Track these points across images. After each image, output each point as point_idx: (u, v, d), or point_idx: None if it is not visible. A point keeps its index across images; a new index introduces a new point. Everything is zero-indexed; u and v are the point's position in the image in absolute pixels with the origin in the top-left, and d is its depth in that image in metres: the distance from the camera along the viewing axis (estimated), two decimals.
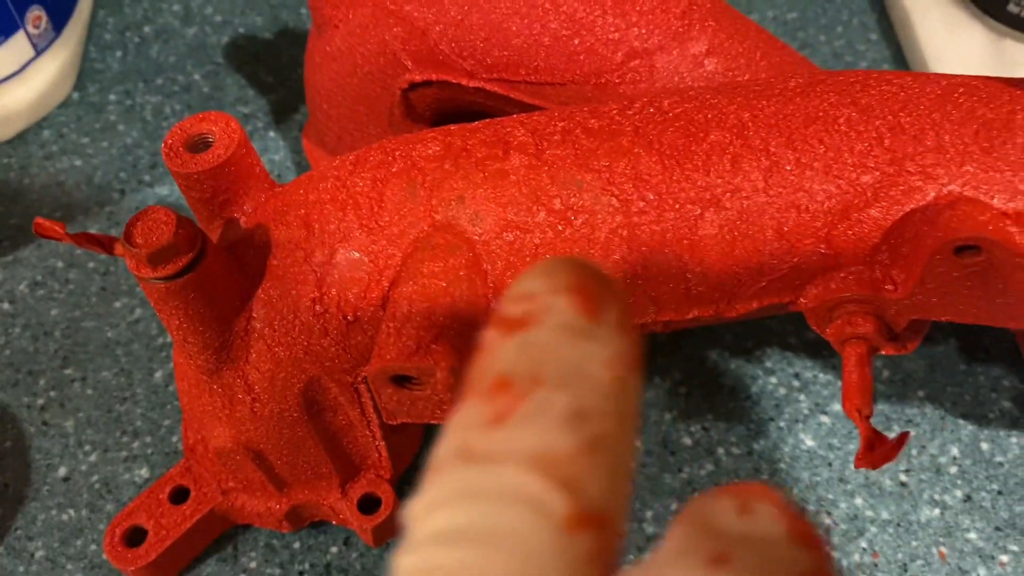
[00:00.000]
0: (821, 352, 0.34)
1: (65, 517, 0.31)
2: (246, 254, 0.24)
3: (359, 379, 0.24)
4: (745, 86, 0.23)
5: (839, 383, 0.34)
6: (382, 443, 0.27)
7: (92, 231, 0.38)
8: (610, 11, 0.27)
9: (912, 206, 0.21)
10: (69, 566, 0.30)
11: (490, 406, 0.12)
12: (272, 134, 0.41)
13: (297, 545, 0.30)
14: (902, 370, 0.34)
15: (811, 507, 0.32)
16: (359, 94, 0.32)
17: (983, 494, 0.32)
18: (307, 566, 0.30)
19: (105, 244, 0.28)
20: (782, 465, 0.32)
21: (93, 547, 0.30)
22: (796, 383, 0.34)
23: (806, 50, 0.45)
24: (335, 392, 0.25)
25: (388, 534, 0.29)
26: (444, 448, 0.12)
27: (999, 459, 0.32)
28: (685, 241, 0.22)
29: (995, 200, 0.20)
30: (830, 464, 0.32)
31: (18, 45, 0.38)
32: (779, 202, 0.22)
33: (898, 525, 0.31)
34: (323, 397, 0.25)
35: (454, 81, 0.29)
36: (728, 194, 0.22)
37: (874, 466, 0.21)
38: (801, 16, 0.46)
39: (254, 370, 0.24)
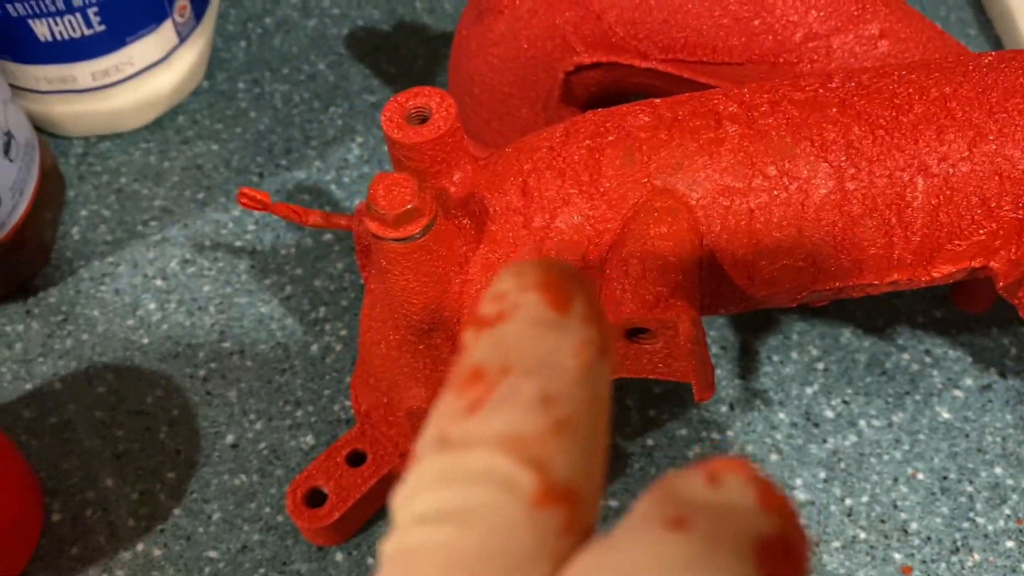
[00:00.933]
0: (949, 330, 0.36)
1: (237, 482, 0.32)
2: (462, 220, 0.25)
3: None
4: (938, 63, 0.24)
5: (969, 359, 0.35)
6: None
7: (235, 213, 0.39)
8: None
9: None
10: (246, 527, 0.31)
11: (464, 397, 0.13)
12: None
13: None
14: None
15: (953, 476, 0.33)
16: (518, 78, 0.33)
17: None
18: None
19: (301, 215, 0.29)
20: (921, 436, 0.34)
21: (267, 509, 0.32)
22: (928, 359, 0.35)
23: None
24: None
25: None
26: (423, 439, 0.13)
27: None
28: (894, 207, 0.23)
29: None
30: (967, 435, 0.34)
31: (166, 33, 0.39)
32: (983, 169, 0.23)
33: None
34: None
35: (625, 63, 0.30)
36: (936, 162, 0.23)
37: None
38: None
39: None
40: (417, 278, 0.24)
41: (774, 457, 0.33)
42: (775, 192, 0.23)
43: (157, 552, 0.31)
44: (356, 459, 0.31)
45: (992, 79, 0.24)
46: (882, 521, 0.32)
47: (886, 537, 0.32)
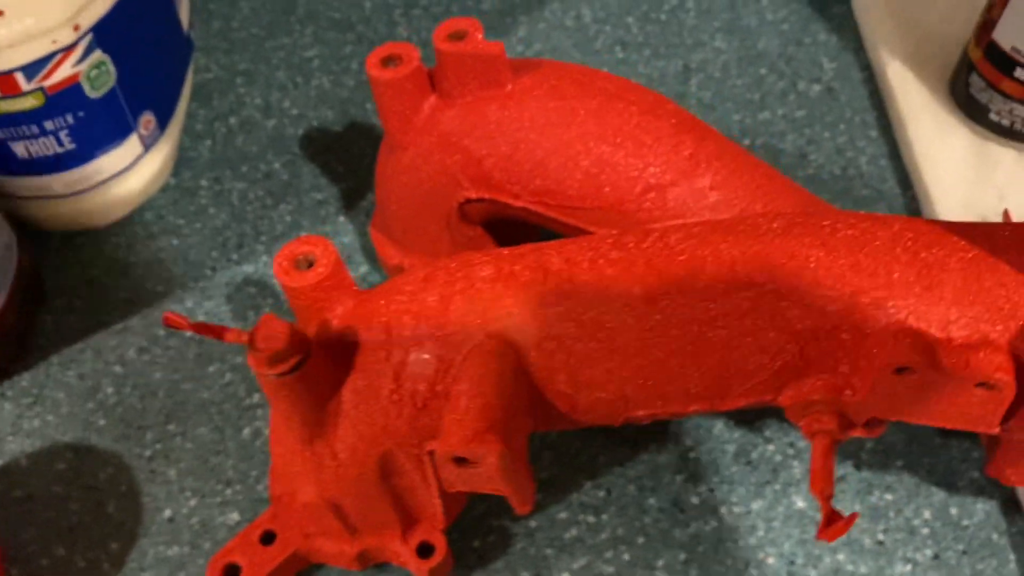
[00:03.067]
0: None
1: (171, 552, 0.37)
2: (338, 351, 0.30)
3: (424, 452, 0.30)
4: (738, 226, 0.29)
5: None
6: (438, 501, 0.33)
7: (188, 304, 0.45)
8: (631, 154, 0.33)
9: (868, 331, 0.27)
10: None
11: None
12: (342, 219, 0.48)
13: None
14: (884, 442, 0.39)
15: (799, 561, 0.37)
16: (423, 202, 0.38)
17: (950, 553, 0.37)
18: None
19: (217, 333, 0.34)
20: (776, 523, 0.38)
21: None
22: (791, 451, 0.39)
23: (812, 145, 0.50)
24: (403, 460, 0.31)
25: (441, 574, 0.35)
26: None
27: (965, 522, 0.37)
28: (689, 353, 0.28)
29: (931, 328, 0.26)
30: (817, 523, 0.38)
31: (131, 145, 0.44)
32: (764, 325, 0.27)
33: None
34: (394, 464, 0.31)
35: (503, 200, 0.35)
36: (720, 317, 0.27)
37: (830, 539, 0.26)
38: (808, 114, 0.52)
39: (340, 442, 0.30)
40: (292, 404, 0.29)
41: (640, 539, 0.37)
42: (587, 340, 0.28)
43: None
44: (268, 538, 0.36)
45: (776, 245, 0.28)
46: None
47: None
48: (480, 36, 0.33)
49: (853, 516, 0.26)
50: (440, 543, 0.35)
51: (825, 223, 0.28)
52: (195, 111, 0.52)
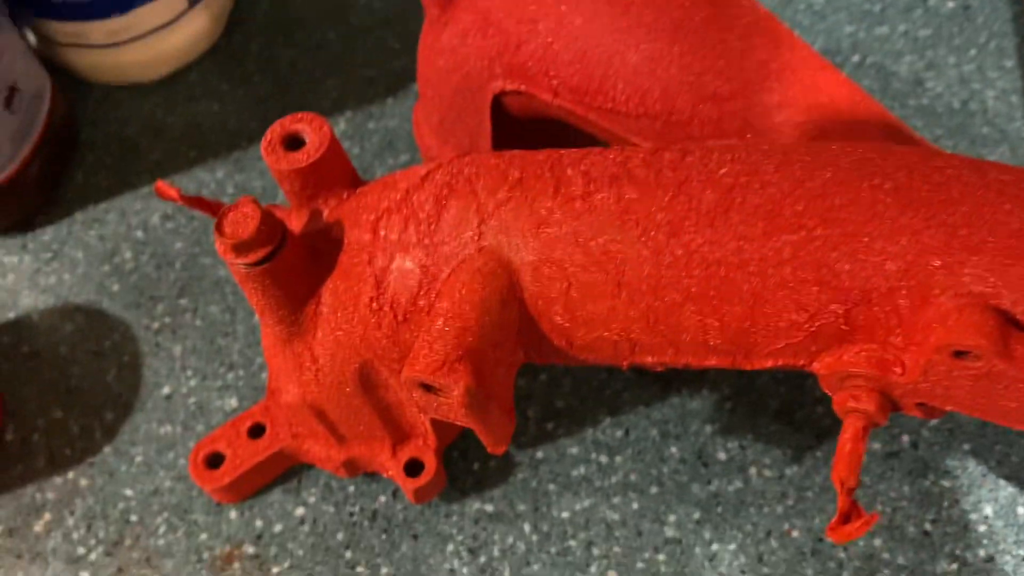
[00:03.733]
0: None
1: (163, 431, 0.36)
2: (322, 246, 0.27)
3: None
4: (796, 154, 0.24)
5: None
6: (427, 420, 0.30)
7: (219, 174, 0.42)
8: (689, 53, 0.28)
9: (932, 299, 0.22)
10: (161, 473, 0.35)
11: None
12: (390, 100, 0.44)
13: (352, 489, 0.34)
14: (952, 420, 0.34)
15: (828, 539, 0.33)
16: (459, 87, 0.34)
17: (1007, 558, 0.32)
18: (357, 509, 0.34)
19: (211, 209, 0.31)
20: (809, 494, 0.34)
21: (182, 461, 0.35)
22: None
23: (931, 71, 0.44)
24: (386, 375, 0.28)
25: (429, 495, 0.33)
26: None
27: None
28: (711, 299, 0.23)
29: (1011, 308, 0.21)
30: (858, 500, 0.33)
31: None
32: (804, 276, 0.23)
33: (911, 573, 0.32)
34: (376, 377, 0.28)
35: (539, 95, 0.31)
36: (754, 261, 0.23)
37: (840, 540, 0.22)
38: (934, 33, 0.45)
39: (319, 346, 0.27)
40: (265, 298, 0.26)
41: (654, 489, 0.34)
42: (592, 269, 0.24)
43: (84, 482, 0.35)
44: (256, 431, 0.34)
45: (841, 180, 0.23)
46: (742, 572, 0.32)
47: None
48: None
49: (873, 517, 0.22)
50: (430, 462, 0.32)
51: (903, 163, 0.23)
52: None
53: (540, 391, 0.36)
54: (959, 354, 0.21)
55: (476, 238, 0.24)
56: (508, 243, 0.24)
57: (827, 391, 0.25)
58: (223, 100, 0.44)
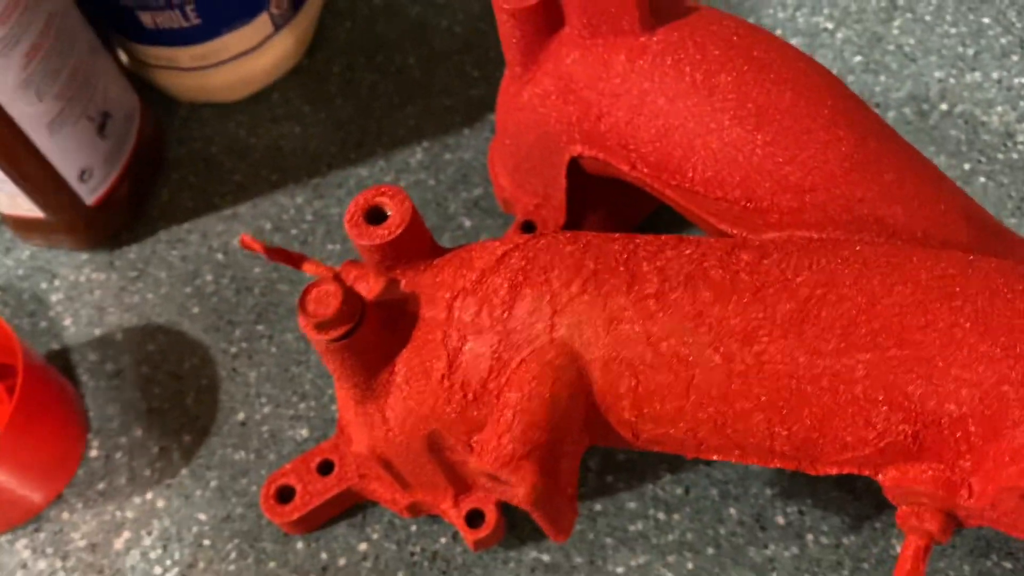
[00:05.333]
0: None
1: (237, 456, 0.37)
2: (398, 317, 0.27)
3: (472, 441, 0.27)
4: (875, 263, 0.24)
5: None
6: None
7: (298, 200, 0.43)
8: (772, 143, 0.27)
9: (1004, 431, 0.22)
10: (233, 499, 0.37)
11: None
12: (467, 131, 0.44)
13: (414, 528, 0.35)
14: None
15: None
16: (537, 143, 0.34)
17: None
18: (418, 548, 0.35)
19: (295, 262, 0.32)
20: (866, 565, 0.34)
21: (253, 488, 0.37)
22: None
23: None
24: (453, 442, 0.28)
25: (489, 544, 0.34)
26: None
27: None
28: (776, 408, 0.23)
29: None
30: None
31: (261, 24, 0.42)
32: (875, 395, 0.23)
33: None
34: (443, 442, 0.29)
35: (616, 165, 0.31)
36: (827, 377, 0.23)
37: None
38: None
39: (391, 410, 0.28)
40: (343, 368, 0.27)
41: (710, 550, 0.34)
42: (661, 370, 0.24)
43: (161, 503, 0.37)
44: (326, 467, 0.35)
45: (918, 301, 0.23)
46: None
47: None
48: None
49: None
50: (491, 513, 0.33)
51: (986, 283, 0.23)
52: None
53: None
54: None
55: (548, 329, 0.25)
56: (579, 337, 0.25)
57: (892, 502, 0.25)
58: (304, 122, 0.45)
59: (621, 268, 0.25)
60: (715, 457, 0.25)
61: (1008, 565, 0.33)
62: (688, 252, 0.25)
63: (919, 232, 0.27)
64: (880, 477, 0.24)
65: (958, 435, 0.22)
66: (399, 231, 0.27)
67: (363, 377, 0.28)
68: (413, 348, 0.27)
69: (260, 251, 0.30)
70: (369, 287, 0.28)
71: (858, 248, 0.25)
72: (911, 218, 0.27)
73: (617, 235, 0.26)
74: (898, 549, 0.34)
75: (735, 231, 0.29)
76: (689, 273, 0.24)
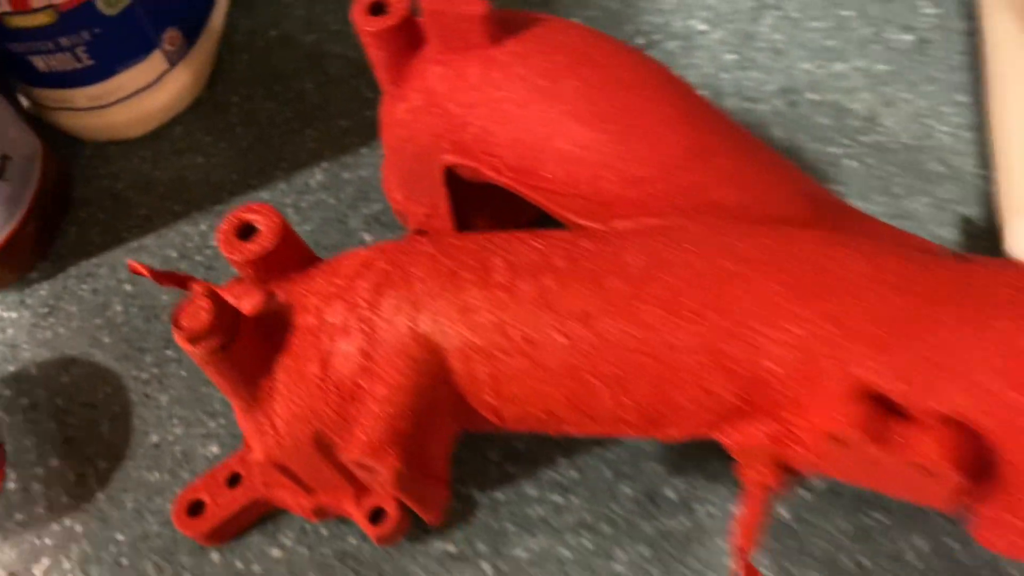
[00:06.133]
0: None
1: (152, 478, 0.39)
2: (276, 328, 0.29)
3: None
4: (706, 240, 0.26)
5: None
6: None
7: (202, 227, 0.45)
8: (615, 140, 0.29)
9: (820, 385, 0.24)
10: (149, 518, 0.38)
11: None
12: (364, 150, 0.46)
13: (324, 532, 0.37)
14: None
15: (771, 572, 0.35)
16: (415, 156, 0.36)
17: None
18: (329, 551, 0.36)
19: (181, 282, 0.34)
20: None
21: (168, 506, 0.38)
22: None
23: (887, 107, 0.45)
24: (337, 440, 0.30)
25: (393, 539, 0.35)
26: None
27: (964, 560, 0.34)
28: (620, 381, 0.25)
29: (898, 396, 0.23)
30: (798, 535, 0.35)
31: (155, 62, 0.44)
32: (703, 360, 0.25)
33: None
34: (330, 442, 0.30)
35: (485, 172, 0.33)
36: (661, 348, 0.25)
37: None
38: (891, 69, 0.46)
39: (277, 416, 0.30)
40: (225, 380, 0.28)
41: (606, 528, 0.36)
42: (514, 355, 0.26)
43: (79, 528, 0.38)
44: (234, 480, 0.36)
45: (740, 271, 0.25)
46: None
47: None
48: None
49: None
50: (393, 509, 0.34)
51: (801, 253, 0.25)
52: (237, 21, 0.51)
53: (501, 435, 0.38)
54: (836, 440, 0.23)
55: (410, 326, 0.27)
56: (439, 330, 0.26)
57: (737, 460, 0.27)
58: (207, 153, 0.47)
59: (475, 264, 0.27)
60: (574, 431, 0.27)
61: (883, 518, 0.35)
62: (536, 245, 0.27)
63: (758, 213, 0.29)
64: (721, 438, 0.26)
65: (782, 392, 0.24)
66: (270, 246, 0.28)
67: (246, 387, 0.29)
68: (290, 354, 0.29)
69: (147, 275, 0.32)
70: (251, 301, 0.30)
71: (689, 230, 0.27)
72: (749, 200, 0.29)
73: (475, 234, 0.28)
74: (784, 515, 0.36)
75: (590, 224, 0.31)
76: (536, 263, 0.26)
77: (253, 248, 0.28)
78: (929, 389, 0.23)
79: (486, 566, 0.36)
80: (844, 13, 0.48)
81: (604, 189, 0.30)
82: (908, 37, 0.47)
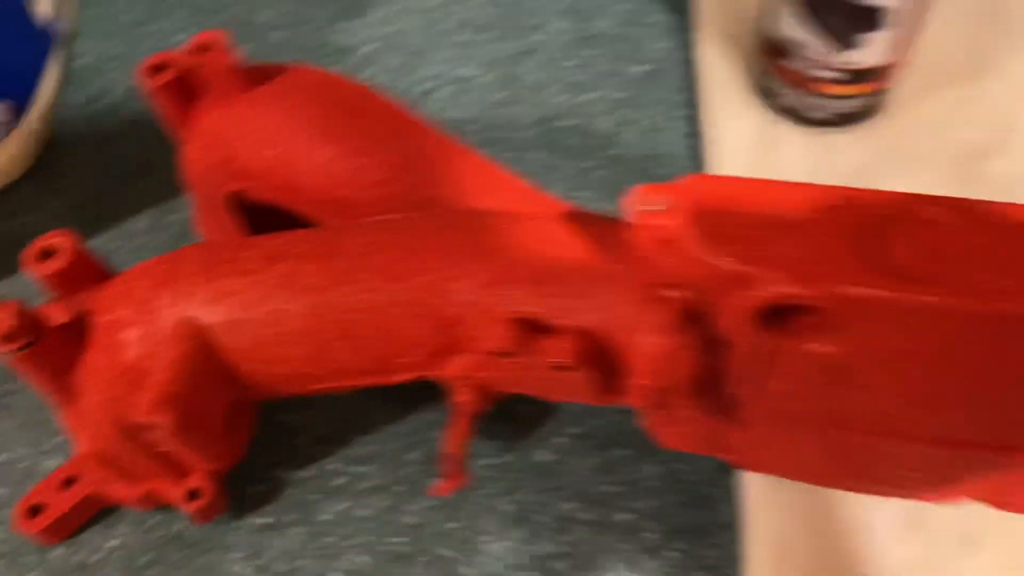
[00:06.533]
0: None
1: (1, 491, 0.44)
2: (80, 331, 0.35)
3: None
4: (419, 225, 0.34)
5: (575, 410, 0.44)
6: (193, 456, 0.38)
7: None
8: (350, 153, 0.37)
9: (491, 318, 0.31)
10: None
11: None
12: (184, 197, 0.53)
13: (158, 518, 0.42)
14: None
15: (533, 506, 0.42)
16: (205, 189, 0.43)
17: (671, 504, 0.41)
18: (161, 534, 0.42)
19: None
20: (515, 474, 0.43)
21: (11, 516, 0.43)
22: (544, 407, 0.44)
23: (624, 126, 0.54)
24: (139, 422, 0.36)
25: (210, 516, 0.41)
26: None
27: (689, 478, 0.42)
28: (351, 337, 0.32)
29: (540, 318, 0.30)
30: (555, 473, 0.43)
31: None
32: (414, 312, 0.32)
33: (599, 525, 0.41)
34: (137, 428, 0.36)
35: (261, 194, 0.40)
36: (378, 306, 0.32)
37: (440, 494, 0.31)
38: (628, 95, 0.55)
39: (86, 409, 0.36)
40: (36, 380, 0.34)
41: (398, 488, 0.43)
42: (264, 326, 0.33)
43: None
44: (69, 482, 0.42)
45: (429, 242, 0.32)
46: (464, 542, 0.41)
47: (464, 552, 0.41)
48: (224, 49, 0.38)
49: (464, 480, 0.31)
50: (207, 489, 0.40)
51: (477, 223, 0.33)
52: (70, 95, 0.57)
53: (308, 422, 0.45)
54: (502, 355, 0.30)
55: (182, 313, 0.33)
56: (204, 312, 0.33)
57: (452, 391, 0.34)
58: (44, 210, 0.53)
59: (232, 257, 0.34)
60: (326, 386, 0.34)
61: (624, 452, 0.43)
62: (282, 239, 0.34)
63: (459, 203, 0.37)
64: (435, 373, 0.33)
65: (471, 328, 0.32)
66: (66, 263, 0.35)
67: (60, 385, 0.35)
68: (89, 352, 0.35)
69: None
70: (59, 311, 0.36)
71: (408, 219, 0.35)
72: (460, 195, 0.37)
73: (238, 237, 0.35)
74: (542, 457, 0.43)
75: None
76: (281, 253, 0.33)
77: (52, 265, 0.35)
78: (566, 311, 0.30)
79: (295, 530, 0.42)
80: (590, 52, 0.57)
81: (348, 194, 0.37)
82: (643, 68, 0.56)
